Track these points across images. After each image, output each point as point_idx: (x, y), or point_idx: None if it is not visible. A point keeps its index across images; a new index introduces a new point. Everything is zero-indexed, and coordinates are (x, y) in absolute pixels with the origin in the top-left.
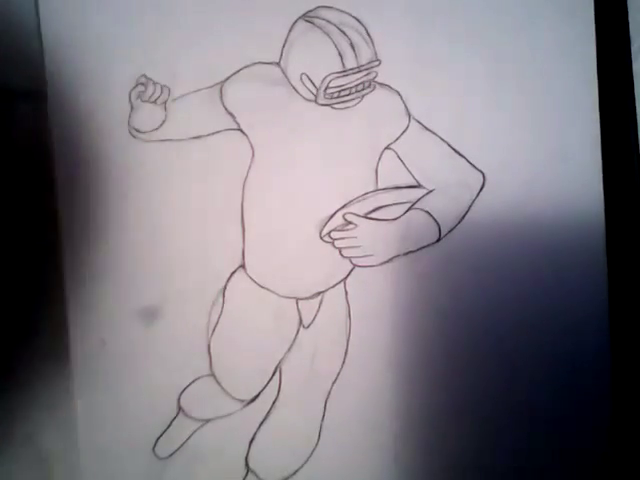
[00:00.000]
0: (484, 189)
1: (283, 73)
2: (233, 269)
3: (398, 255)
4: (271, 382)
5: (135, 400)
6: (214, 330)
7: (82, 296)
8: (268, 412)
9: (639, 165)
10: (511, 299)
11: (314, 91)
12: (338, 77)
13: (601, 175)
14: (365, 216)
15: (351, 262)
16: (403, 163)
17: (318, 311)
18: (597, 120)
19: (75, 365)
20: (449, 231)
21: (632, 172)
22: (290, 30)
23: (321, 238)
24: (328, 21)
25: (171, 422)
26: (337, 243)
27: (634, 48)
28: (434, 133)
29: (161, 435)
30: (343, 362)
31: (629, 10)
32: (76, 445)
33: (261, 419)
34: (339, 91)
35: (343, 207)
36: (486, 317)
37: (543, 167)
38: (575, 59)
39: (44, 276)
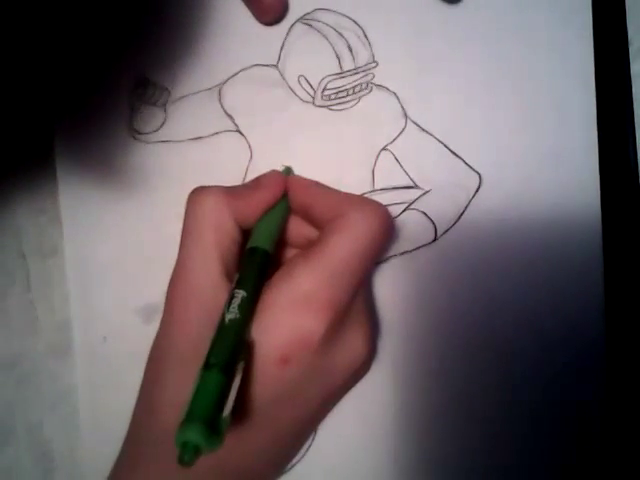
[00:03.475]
0: (480, 190)
1: (281, 75)
2: None
3: (394, 255)
4: None
5: (136, 395)
6: None
7: (85, 295)
8: None
9: (636, 167)
10: (507, 299)
11: (312, 93)
12: (335, 79)
13: (598, 176)
14: None
15: None
16: (400, 164)
17: None
18: (594, 122)
19: (78, 361)
20: (445, 231)
21: (629, 174)
22: (288, 33)
23: None
24: (325, 23)
25: None
26: None
27: (633, 49)
28: (431, 134)
29: None
30: None
31: (627, 11)
32: (78, 440)
33: None
34: (336, 93)
35: None
36: (483, 317)
37: (540, 168)
38: (573, 60)
39: (47, 274)
